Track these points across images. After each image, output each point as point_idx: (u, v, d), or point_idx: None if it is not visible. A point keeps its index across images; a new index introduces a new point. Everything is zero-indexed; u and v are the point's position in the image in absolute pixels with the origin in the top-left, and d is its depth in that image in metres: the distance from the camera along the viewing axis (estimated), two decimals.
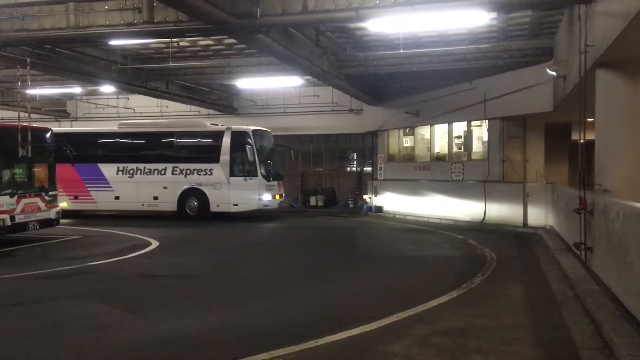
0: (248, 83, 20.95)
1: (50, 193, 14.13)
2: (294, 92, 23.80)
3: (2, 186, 12.96)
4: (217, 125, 20.39)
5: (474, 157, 19.71)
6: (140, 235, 15.09)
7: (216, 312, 7.38)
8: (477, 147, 19.92)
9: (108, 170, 20.34)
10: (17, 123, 13.02)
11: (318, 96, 23.81)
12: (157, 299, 8.25)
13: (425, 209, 19.92)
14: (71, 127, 28.18)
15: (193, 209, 19.55)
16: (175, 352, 5.82)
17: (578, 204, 9.33)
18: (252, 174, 19.02)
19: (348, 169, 27.95)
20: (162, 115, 25.46)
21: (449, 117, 19.89)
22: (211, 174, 19.26)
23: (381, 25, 12.03)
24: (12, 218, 12.77)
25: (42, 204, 13.68)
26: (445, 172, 20.04)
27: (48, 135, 14.62)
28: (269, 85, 21.26)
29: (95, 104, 26.70)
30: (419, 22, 11.80)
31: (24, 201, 13.10)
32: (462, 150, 20.39)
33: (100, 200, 20.37)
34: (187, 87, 22.47)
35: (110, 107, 26.85)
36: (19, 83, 15.01)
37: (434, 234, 15.91)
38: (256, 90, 24.02)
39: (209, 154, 19.54)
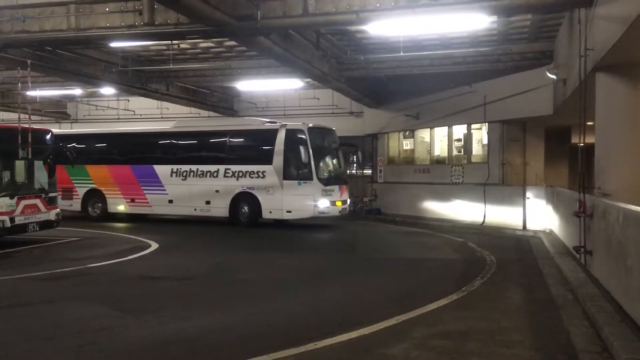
0: (248, 85, 20.98)
1: (50, 195, 14.12)
2: (294, 94, 23.84)
3: (2, 188, 12.95)
4: (275, 122, 18.51)
5: (474, 160, 19.72)
6: (139, 237, 15.08)
7: (216, 314, 7.37)
8: (477, 150, 19.94)
9: (162, 171, 19.01)
10: (17, 124, 13.03)
11: (318, 99, 23.85)
12: (156, 300, 8.24)
13: (425, 211, 19.92)
14: (71, 128, 28.29)
15: (244, 215, 17.80)
16: (175, 354, 5.82)
17: (578, 208, 9.34)
18: (307, 177, 16.92)
19: (348, 171, 27.89)
20: (162, 118, 25.49)
21: (449, 120, 19.91)
22: (264, 176, 17.38)
23: (382, 28, 12.07)
24: (12, 219, 12.76)
25: (42, 206, 13.67)
26: (445, 175, 20.05)
27: (48, 136, 14.62)
28: (270, 87, 21.30)
29: (96, 105, 26.74)
30: (420, 25, 11.82)
31: (23, 203, 13.10)
32: (462, 153, 20.41)
33: (155, 203, 19.12)
34: (188, 89, 22.50)
35: (111, 109, 26.88)
36: (20, 84, 15.01)
37: (433, 236, 15.91)
38: (256, 92, 24.07)
39: (262, 154, 17.68)
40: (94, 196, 19.94)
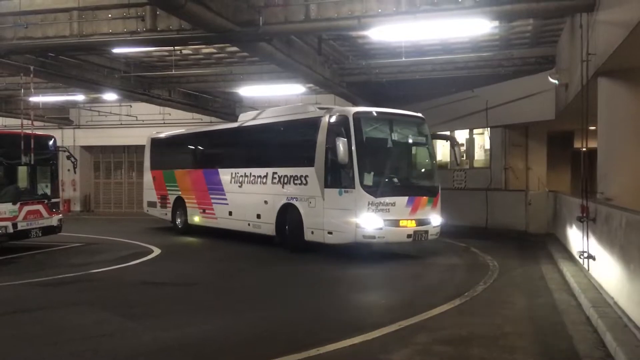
0: (250, 91, 21.01)
1: (53, 200, 14.15)
2: (296, 99, 23.80)
3: (5, 193, 12.99)
4: (326, 108, 13.62)
5: (476, 165, 19.72)
6: (142, 242, 15.09)
7: (218, 320, 7.36)
8: (479, 155, 19.93)
9: (224, 176, 15.96)
10: (20, 130, 13.07)
11: (320, 104, 23.84)
12: (158, 306, 8.23)
13: None
14: (73, 134, 28.37)
15: (287, 235, 13.56)
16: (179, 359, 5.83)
17: (580, 212, 9.32)
18: (348, 183, 11.88)
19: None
20: (164, 124, 25.51)
21: (451, 125, 19.88)
22: (306, 183, 12.98)
23: (383, 33, 12.09)
24: (15, 225, 12.78)
25: (44, 212, 13.69)
26: (447, 180, 20.02)
27: (51, 142, 14.65)
28: (271, 92, 21.31)
29: (98, 111, 26.79)
30: (421, 30, 11.84)
31: (26, 208, 13.11)
32: (465, 158, 20.39)
33: (220, 215, 16.04)
34: (190, 95, 22.54)
35: (113, 115, 26.94)
36: (23, 91, 15.07)
37: (436, 241, 15.83)
38: (258, 97, 24.08)
39: (304, 152, 13.19)
40: (179, 205, 17.84)
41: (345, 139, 11.68)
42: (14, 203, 12.86)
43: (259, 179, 14.62)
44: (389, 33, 12.10)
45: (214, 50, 17.07)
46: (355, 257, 12.69)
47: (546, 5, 10.06)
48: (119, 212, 28.34)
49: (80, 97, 23.94)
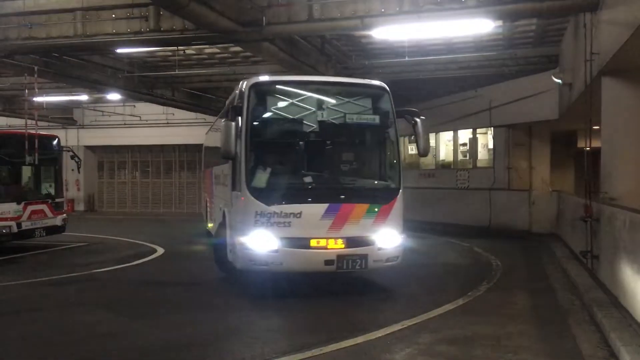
0: None
1: (57, 200, 14.19)
2: None
3: (9, 193, 13.03)
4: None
5: (479, 164, 19.68)
6: (145, 242, 15.12)
7: (221, 320, 7.37)
8: (482, 154, 19.90)
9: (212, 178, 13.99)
10: (24, 130, 13.11)
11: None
12: (162, 306, 8.24)
13: (430, 216, 19.85)
14: (77, 134, 28.42)
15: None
16: (183, 359, 5.84)
17: (584, 212, 9.32)
18: (238, 186, 8.50)
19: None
20: (167, 123, 25.56)
21: (454, 124, 19.88)
22: (225, 183, 10.55)
23: (386, 33, 12.07)
24: (19, 225, 12.81)
25: (48, 211, 13.73)
26: (451, 180, 20.00)
27: (55, 142, 14.70)
28: None
29: (102, 111, 26.85)
30: (424, 30, 11.82)
31: (30, 208, 13.15)
32: (468, 157, 20.37)
33: (209, 220, 14.70)
34: (193, 95, 22.55)
35: (117, 115, 27.01)
36: (27, 91, 15.11)
37: (439, 241, 15.87)
38: None
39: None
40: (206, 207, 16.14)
41: (233, 122, 8.04)
42: (18, 203, 12.90)
43: (214, 179, 12.72)
44: (392, 33, 12.09)
45: (217, 50, 17.08)
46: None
47: (550, 4, 10.03)
48: (123, 212, 28.40)
49: (84, 97, 23.99)
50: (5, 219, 12.53)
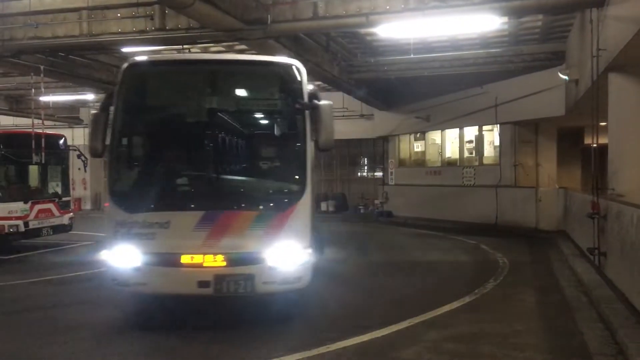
0: None
1: (64, 199, 14.24)
2: None
3: (16, 192, 13.09)
4: None
5: (485, 162, 19.63)
6: None
7: (226, 317, 7.38)
8: (488, 151, 19.85)
9: None
10: (31, 130, 13.16)
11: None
12: (166, 305, 8.25)
13: (436, 214, 19.83)
14: (83, 133, 28.50)
15: None
16: (190, 356, 5.85)
17: (591, 209, 9.27)
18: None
19: (359, 174, 27.95)
20: None
21: (460, 121, 19.83)
22: None
23: (391, 30, 12.04)
24: (26, 224, 12.87)
25: (55, 210, 13.78)
26: (457, 177, 19.96)
27: (61, 141, 14.75)
28: None
29: None
30: (430, 27, 11.78)
31: (37, 207, 13.20)
32: (474, 155, 20.32)
33: None
34: None
35: None
36: (33, 90, 15.15)
37: (445, 239, 15.84)
38: None
39: None
40: None
41: (102, 113, 6.96)
42: (26, 202, 12.95)
43: None
44: (397, 30, 12.06)
45: (223, 49, 17.08)
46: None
47: (556, 0, 9.98)
48: None
49: (90, 97, 24.04)
50: (13, 218, 12.59)
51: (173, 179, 7.21)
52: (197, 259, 6.52)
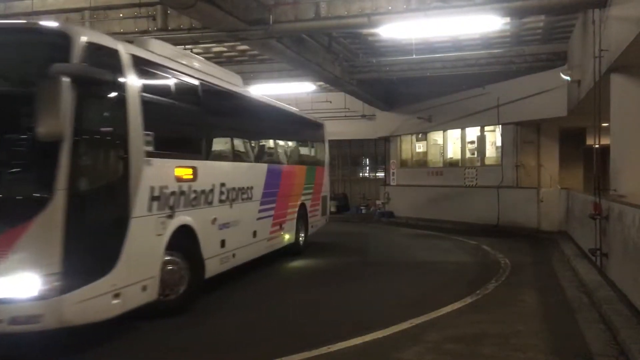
0: (260, 89, 21.02)
1: None
2: (306, 97, 23.85)
3: None
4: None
5: (487, 162, 19.63)
6: None
7: (229, 317, 7.39)
8: (490, 152, 19.85)
9: None
10: None
11: (330, 102, 23.85)
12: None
13: (438, 214, 19.83)
14: None
15: None
16: (195, 354, 5.86)
17: (593, 210, 9.27)
18: None
19: (360, 174, 27.97)
20: None
21: (461, 122, 19.83)
22: None
23: (393, 31, 12.07)
24: None
25: None
26: (459, 178, 19.96)
27: None
28: (282, 91, 21.29)
29: None
30: (432, 27, 11.80)
31: None
32: (476, 155, 20.31)
33: None
34: None
35: None
36: None
37: (447, 239, 15.84)
38: (268, 96, 24.12)
39: None
40: None
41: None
42: None
43: None
44: (399, 30, 12.07)
45: (225, 49, 17.12)
46: None
47: (558, 1, 9.98)
48: None
49: None
50: None
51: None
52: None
